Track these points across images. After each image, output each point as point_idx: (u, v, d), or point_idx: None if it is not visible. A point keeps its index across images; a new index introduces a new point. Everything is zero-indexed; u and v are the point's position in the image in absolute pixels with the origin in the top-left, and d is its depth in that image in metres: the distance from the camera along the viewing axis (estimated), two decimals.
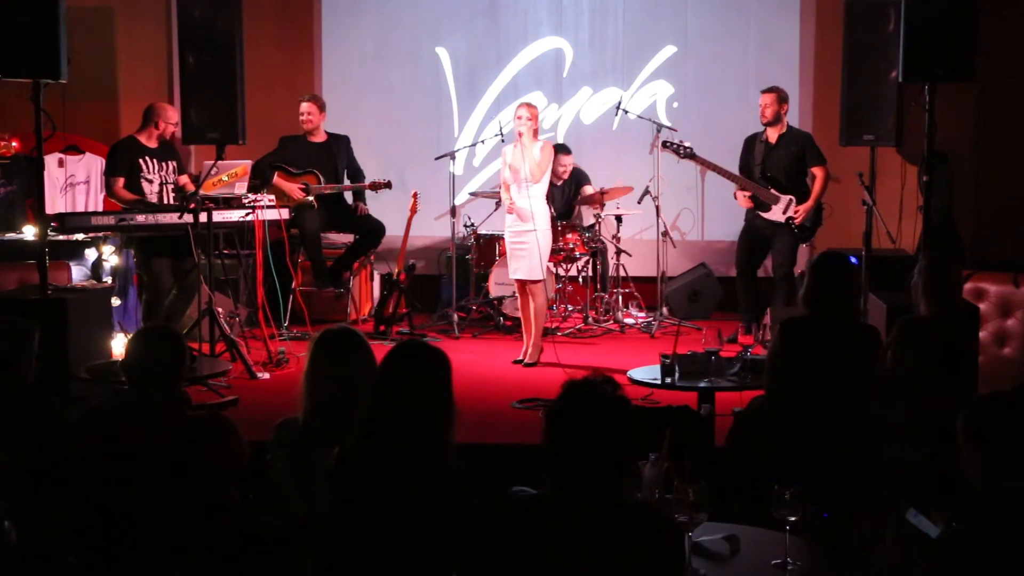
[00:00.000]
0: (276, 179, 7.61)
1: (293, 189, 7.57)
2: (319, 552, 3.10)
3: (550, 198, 8.12)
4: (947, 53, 5.69)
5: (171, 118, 7.00)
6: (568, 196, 8.25)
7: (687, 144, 7.42)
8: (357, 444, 2.99)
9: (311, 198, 7.59)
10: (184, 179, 7.00)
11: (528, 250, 6.64)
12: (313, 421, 3.30)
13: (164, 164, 6.98)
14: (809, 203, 7.20)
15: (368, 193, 7.77)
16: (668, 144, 7.48)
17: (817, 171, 7.29)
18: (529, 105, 6.73)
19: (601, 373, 2.66)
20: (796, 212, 7.18)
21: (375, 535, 2.89)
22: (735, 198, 7.37)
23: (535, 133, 6.67)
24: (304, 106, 7.72)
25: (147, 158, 6.92)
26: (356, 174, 7.85)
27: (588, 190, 8.18)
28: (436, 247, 8.63)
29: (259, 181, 7.41)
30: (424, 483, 2.88)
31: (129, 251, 7.26)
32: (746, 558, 2.98)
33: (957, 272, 4.55)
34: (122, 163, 6.91)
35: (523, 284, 6.74)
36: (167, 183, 6.93)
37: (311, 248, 7.73)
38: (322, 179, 7.63)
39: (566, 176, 8.23)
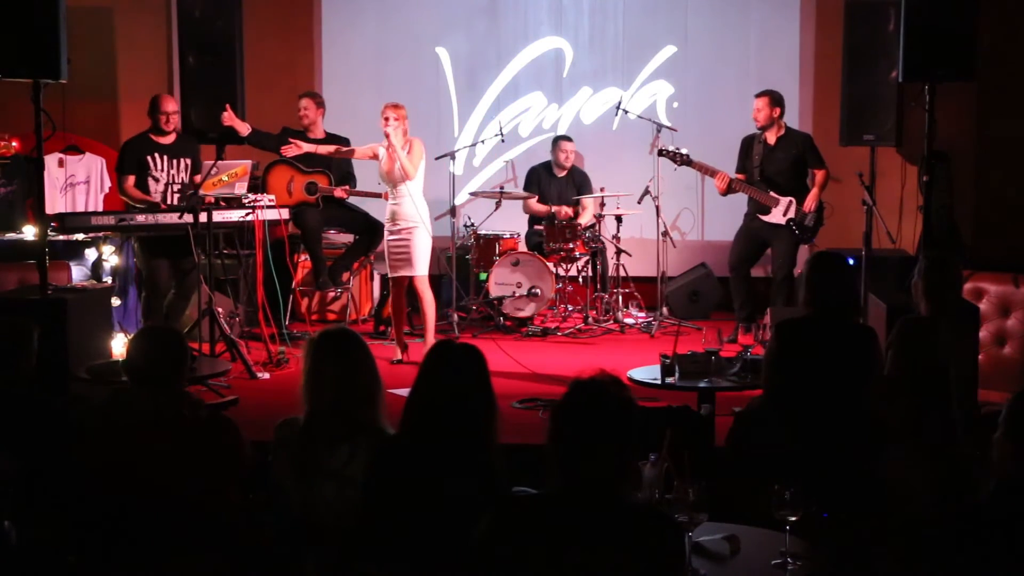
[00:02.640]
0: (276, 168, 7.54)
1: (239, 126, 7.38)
2: (321, 554, 3.10)
3: (546, 189, 8.24)
4: (947, 53, 5.69)
5: (165, 107, 6.96)
6: (568, 193, 8.25)
7: (684, 151, 7.41)
8: (397, 445, 3.01)
9: (316, 196, 7.55)
10: (199, 179, 6.96)
11: (408, 248, 6.77)
12: (314, 422, 3.30)
13: (176, 161, 6.95)
14: (814, 191, 7.23)
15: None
16: (665, 151, 7.47)
17: (818, 173, 7.32)
18: (394, 106, 6.74)
19: (608, 374, 2.66)
20: (805, 209, 7.19)
21: (414, 536, 2.91)
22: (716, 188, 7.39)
23: (405, 132, 6.73)
24: (302, 102, 7.67)
25: (156, 155, 6.90)
26: (345, 178, 7.71)
27: (587, 202, 8.19)
28: (436, 247, 8.60)
29: (259, 174, 7.34)
30: (466, 485, 2.89)
31: (129, 250, 7.26)
32: (746, 558, 2.98)
33: (957, 272, 4.54)
34: (130, 161, 6.91)
35: (403, 281, 6.85)
36: (174, 183, 6.88)
37: (312, 245, 7.70)
38: (333, 179, 7.58)
39: (568, 164, 8.25)
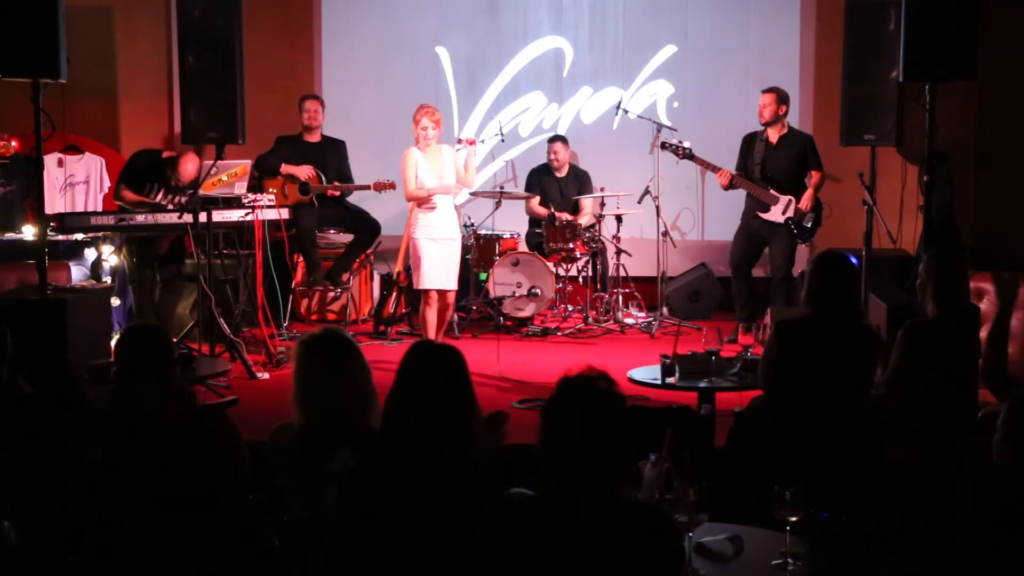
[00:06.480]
0: (284, 168, 7.59)
1: (301, 170, 7.47)
2: (322, 554, 3.09)
3: (547, 190, 8.28)
4: (947, 53, 5.69)
5: (184, 165, 7.22)
6: (569, 191, 8.25)
7: (686, 145, 7.45)
8: (375, 449, 2.97)
9: (311, 196, 7.57)
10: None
11: (458, 260, 6.69)
12: (310, 428, 3.26)
13: (173, 196, 7.16)
14: (810, 192, 7.26)
15: (369, 192, 7.74)
16: (667, 145, 7.51)
17: (815, 174, 7.37)
18: (432, 110, 6.63)
19: (596, 369, 2.64)
20: (801, 207, 7.22)
21: (395, 542, 2.86)
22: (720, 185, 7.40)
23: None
24: (308, 104, 7.78)
25: (158, 183, 7.16)
26: (344, 180, 7.74)
27: (586, 202, 8.17)
28: None
29: (258, 174, 7.42)
30: (444, 487, 2.84)
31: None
32: (746, 559, 2.98)
33: (965, 273, 4.54)
34: (136, 177, 7.10)
35: (443, 293, 6.69)
36: (173, 201, 7.03)
37: (306, 245, 7.71)
38: (324, 179, 7.60)
39: (557, 164, 8.23)
